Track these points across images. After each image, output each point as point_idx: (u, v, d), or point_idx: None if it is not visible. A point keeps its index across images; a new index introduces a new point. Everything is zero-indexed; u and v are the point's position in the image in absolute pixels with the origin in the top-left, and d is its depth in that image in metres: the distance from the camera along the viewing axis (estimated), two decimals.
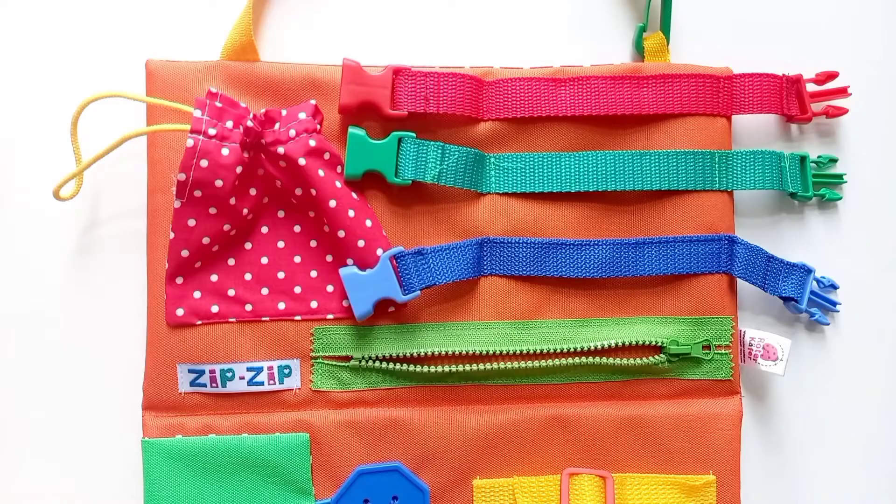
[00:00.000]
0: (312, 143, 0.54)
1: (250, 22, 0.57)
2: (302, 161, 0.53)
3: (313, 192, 0.54)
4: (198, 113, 0.53)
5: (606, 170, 0.57)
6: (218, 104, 0.53)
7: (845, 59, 0.63)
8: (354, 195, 0.55)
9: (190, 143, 0.52)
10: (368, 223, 0.55)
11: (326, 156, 0.55)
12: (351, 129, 0.55)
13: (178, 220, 0.54)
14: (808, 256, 0.62)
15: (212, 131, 0.52)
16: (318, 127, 0.55)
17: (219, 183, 0.53)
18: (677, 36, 0.62)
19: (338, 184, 0.55)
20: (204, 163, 0.52)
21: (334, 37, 0.61)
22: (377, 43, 0.61)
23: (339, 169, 0.55)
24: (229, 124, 0.53)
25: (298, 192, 0.55)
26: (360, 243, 0.55)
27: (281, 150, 0.54)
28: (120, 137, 0.54)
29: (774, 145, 0.63)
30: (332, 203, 0.54)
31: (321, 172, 0.54)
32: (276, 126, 0.54)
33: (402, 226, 0.57)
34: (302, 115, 0.54)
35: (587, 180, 0.57)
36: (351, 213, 0.55)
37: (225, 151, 0.53)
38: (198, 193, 0.53)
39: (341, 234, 0.55)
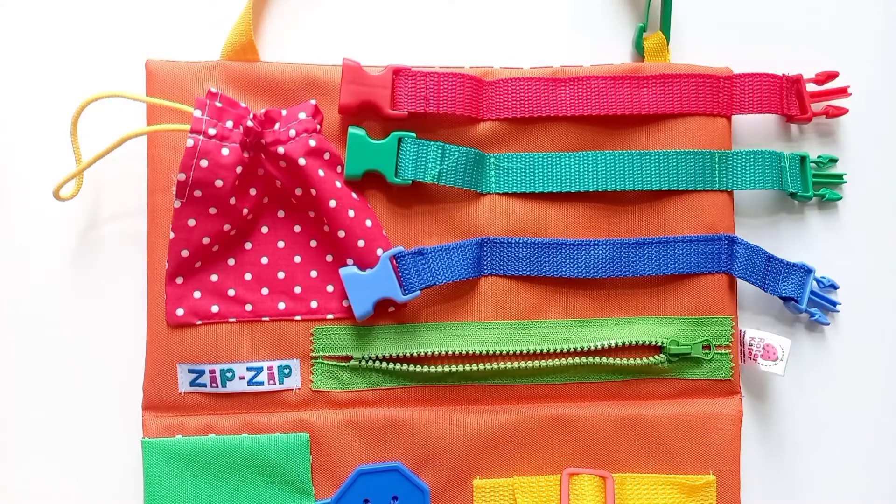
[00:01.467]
0: (312, 142, 0.54)
1: (250, 22, 0.57)
2: (302, 161, 0.53)
3: (313, 192, 0.54)
4: (198, 113, 0.53)
5: (606, 170, 0.57)
6: (218, 104, 0.53)
7: (845, 59, 0.63)
8: (354, 195, 0.55)
9: (190, 143, 0.52)
10: (368, 223, 0.55)
11: (326, 156, 0.55)
12: (351, 129, 0.55)
13: (178, 220, 0.54)
14: (808, 256, 0.62)
15: (212, 131, 0.52)
16: (318, 127, 0.55)
17: (219, 183, 0.53)
18: (677, 36, 0.62)
19: (338, 184, 0.55)
20: (204, 163, 0.52)
21: (334, 37, 0.61)
22: (377, 43, 0.61)
23: (339, 169, 0.55)
24: (229, 124, 0.53)
25: (298, 192, 0.55)
26: (360, 243, 0.55)
27: (281, 150, 0.54)
28: (120, 137, 0.54)
29: (774, 145, 0.63)
30: (333, 203, 0.54)
31: (321, 172, 0.54)
32: (276, 126, 0.54)
33: (403, 226, 0.57)
34: (302, 115, 0.54)
35: (587, 180, 0.57)
36: (351, 213, 0.55)
37: (225, 151, 0.53)
38: (198, 193, 0.53)
39: (341, 233, 0.55)
